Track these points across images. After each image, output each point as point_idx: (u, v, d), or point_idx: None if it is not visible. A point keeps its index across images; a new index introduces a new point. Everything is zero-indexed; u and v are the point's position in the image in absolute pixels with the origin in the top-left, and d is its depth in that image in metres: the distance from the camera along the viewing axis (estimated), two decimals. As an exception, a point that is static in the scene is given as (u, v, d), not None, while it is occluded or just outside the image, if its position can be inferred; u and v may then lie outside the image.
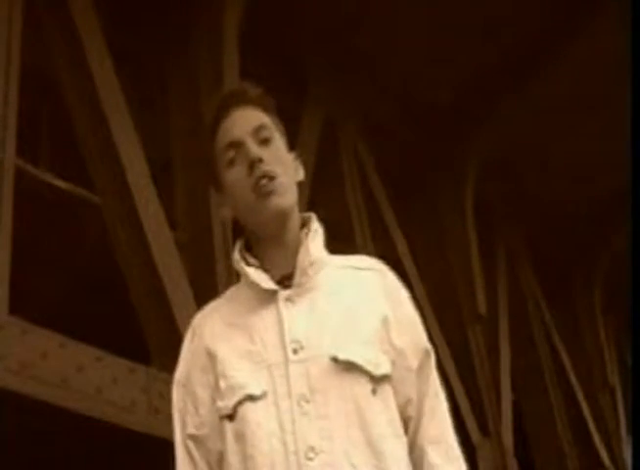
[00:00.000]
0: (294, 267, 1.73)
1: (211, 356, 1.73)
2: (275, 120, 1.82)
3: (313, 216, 1.81)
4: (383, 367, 1.68)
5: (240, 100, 1.80)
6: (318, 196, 7.25)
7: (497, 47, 7.58)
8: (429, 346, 1.80)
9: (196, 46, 6.36)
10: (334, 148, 7.48)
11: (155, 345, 5.22)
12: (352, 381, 1.64)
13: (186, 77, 6.37)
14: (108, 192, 5.53)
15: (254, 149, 1.73)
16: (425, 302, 7.59)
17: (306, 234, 1.76)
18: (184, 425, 1.76)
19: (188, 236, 5.86)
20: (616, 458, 9.48)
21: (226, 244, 5.73)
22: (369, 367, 1.65)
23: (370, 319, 1.71)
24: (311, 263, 1.73)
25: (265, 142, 1.76)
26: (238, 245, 1.80)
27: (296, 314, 1.69)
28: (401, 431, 1.70)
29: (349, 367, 1.64)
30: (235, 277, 1.88)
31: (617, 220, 9.14)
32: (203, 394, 1.74)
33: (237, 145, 1.74)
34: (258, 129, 1.76)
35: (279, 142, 1.79)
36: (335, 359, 1.64)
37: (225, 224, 5.54)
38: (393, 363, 1.71)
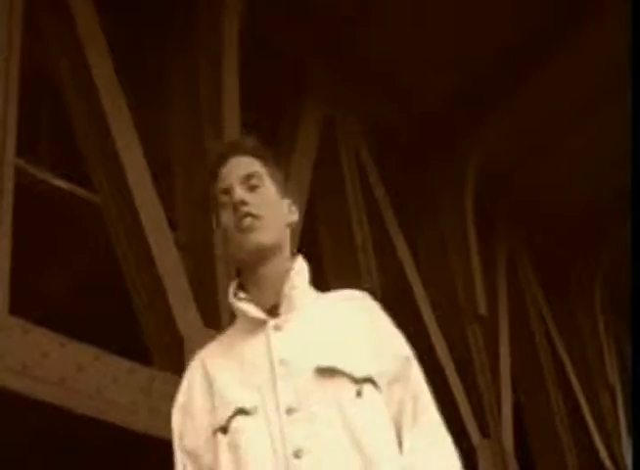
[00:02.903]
0: (280, 298, 1.91)
1: (210, 384, 1.90)
2: (270, 170, 2.03)
3: (299, 256, 1.99)
4: (363, 370, 1.83)
5: (236, 150, 2.04)
6: (318, 195, 7.25)
7: (497, 48, 7.59)
8: (409, 353, 1.95)
9: (196, 46, 6.37)
10: (334, 148, 7.47)
11: (155, 345, 5.22)
12: (336, 386, 1.80)
13: (186, 78, 6.37)
14: (108, 192, 5.53)
15: (239, 193, 1.94)
16: (425, 302, 7.59)
17: (291, 269, 1.94)
18: (181, 441, 1.92)
19: (188, 236, 5.86)
20: (616, 458, 9.47)
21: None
22: (349, 370, 1.81)
23: (353, 337, 1.88)
24: (297, 293, 1.91)
25: (254, 188, 1.97)
26: (232, 284, 1.98)
27: (283, 338, 1.86)
28: (390, 427, 1.83)
29: (332, 373, 1.80)
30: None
31: (617, 220, 9.13)
32: (201, 417, 1.90)
33: (228, 191, 1.97)
34: (248, 177, 1.98)
35: (269, 188, 2.00)
36: (318, 369, 1.80)
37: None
38: (379, 374, 1.86)
